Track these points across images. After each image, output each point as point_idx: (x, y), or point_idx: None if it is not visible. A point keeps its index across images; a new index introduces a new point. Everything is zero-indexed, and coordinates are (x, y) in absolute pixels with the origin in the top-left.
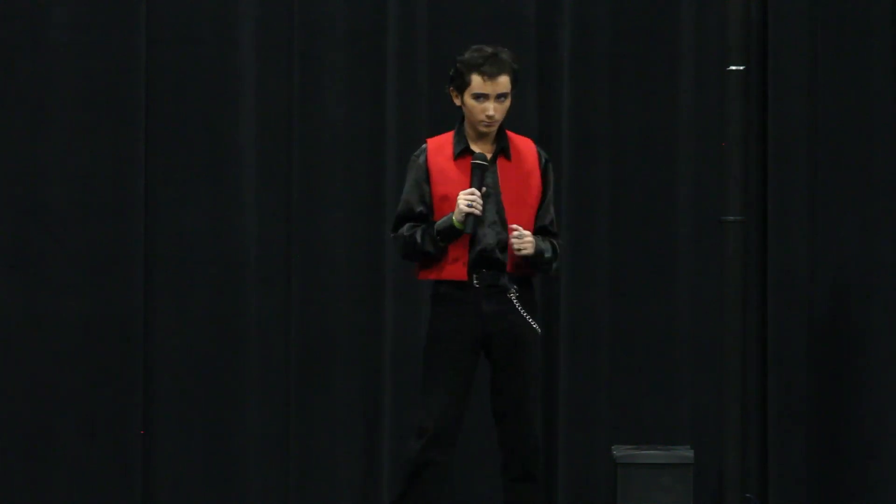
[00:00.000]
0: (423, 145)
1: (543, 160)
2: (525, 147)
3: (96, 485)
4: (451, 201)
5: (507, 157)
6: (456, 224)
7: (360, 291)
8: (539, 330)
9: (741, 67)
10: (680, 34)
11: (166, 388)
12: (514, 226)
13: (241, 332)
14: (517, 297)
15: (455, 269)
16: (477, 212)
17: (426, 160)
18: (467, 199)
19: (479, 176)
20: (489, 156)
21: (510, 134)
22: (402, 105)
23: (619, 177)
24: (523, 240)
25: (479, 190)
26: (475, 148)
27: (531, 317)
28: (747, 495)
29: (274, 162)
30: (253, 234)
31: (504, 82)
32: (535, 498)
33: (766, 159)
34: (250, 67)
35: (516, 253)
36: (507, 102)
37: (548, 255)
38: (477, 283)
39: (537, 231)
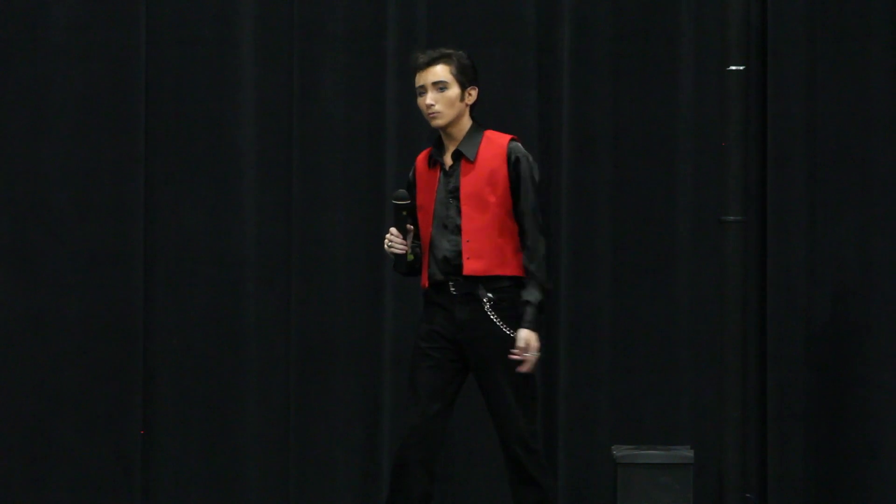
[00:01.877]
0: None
1: (514, 157)
2: (496, 146)
3: (96, 485)
4: (425, 210)
5: (469, 159)
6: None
7: (360, 291)
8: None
9: (741, 67)
10: (680, 34)
11: (166, 388)
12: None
13: (241, 332)
14: (491, 306)
15: (432, 270)
16: (397, 250)
17: (414, 172)
18: (387, 240)
19: (397, 216)
20: (449, 161)
21: (489, 133)
22: (402, 105)
23: (619, 177)
24: (526, 356)
25: (401, 229)
26: (446, 156)
27: (506, 324)
28: (747, 495)
29: (274, 162)
30: (253, 234)
31: (438, 71)
32: (536, 500)
33: (766, 159)
34: (250, 67)
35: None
36: (451, 92)
37: (537, 313)
38: (454, 290)
39: (522, 231)
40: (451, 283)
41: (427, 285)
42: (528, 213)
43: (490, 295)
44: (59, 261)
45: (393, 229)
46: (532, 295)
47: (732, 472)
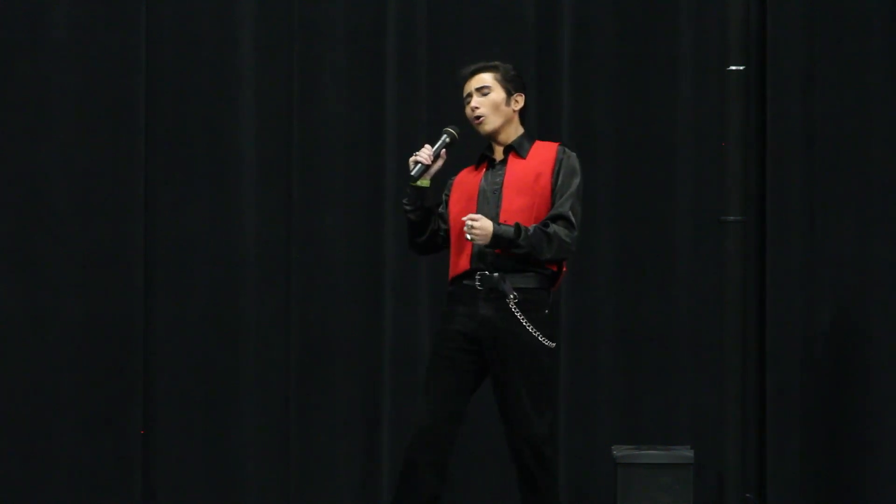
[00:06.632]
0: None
1: (560, 156)
2: (547, 149)
3: (96, 485)
4: (460, 206)
5: (520, 154)
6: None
7: (360, 291)
8: (542, 339)
9: (741, 67)
10: (680, 34)
11: (166, 388)
12: (469, 217)
13: (241, 332)
14: (516, 304)
15: (461, 261)
16: (422, 159)
17: (450, 186)
18: (416, 153)
19: (441, 141)
20: (500, 156)
21: (541, 142)
22: (402, 105)
23: (619, 177)
24: (474, 227)
25: (438, 151)
26: (497, 152)
27: (532, 325)
28: (747, 495)
29: (274, 162)
30: (253, 234)
31: (481, 77)
32: None
33: (766, 159)
34: (250, 67)
35: (467, 237)
36: (495, 95)
37: (514, 238)
38: (479, 286)
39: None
40: (477, 277)
41: (453, 275)
42: (565, 208)
43: (515, 294)
44: (59, 261)
45: (427, 146)
46: (531, 229)
47: (732, 472)
